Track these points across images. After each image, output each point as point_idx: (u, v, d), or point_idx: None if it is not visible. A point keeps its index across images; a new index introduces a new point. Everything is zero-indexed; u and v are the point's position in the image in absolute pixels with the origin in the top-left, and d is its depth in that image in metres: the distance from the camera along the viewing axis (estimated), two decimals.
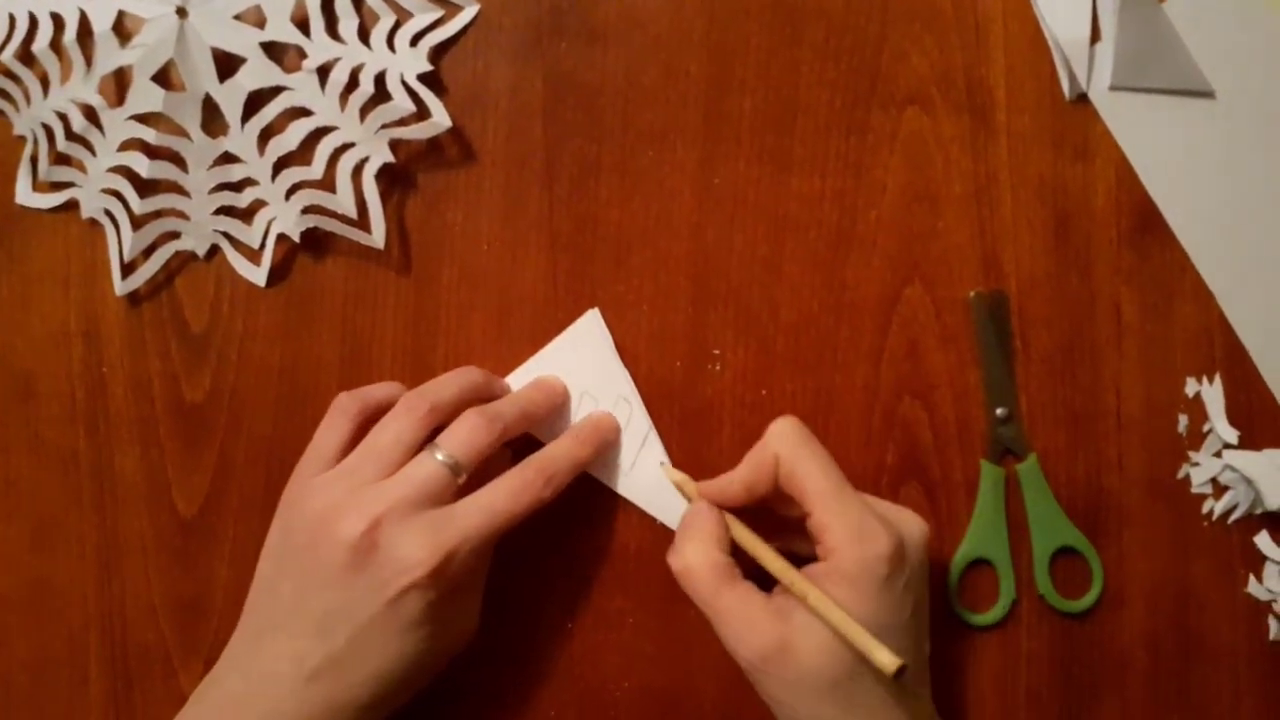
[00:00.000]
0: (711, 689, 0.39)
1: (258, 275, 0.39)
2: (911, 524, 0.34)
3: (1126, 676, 0.39)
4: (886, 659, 0.30)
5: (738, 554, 0.35)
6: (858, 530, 0.32)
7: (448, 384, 0.36)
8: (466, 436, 0.34)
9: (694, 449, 0.39)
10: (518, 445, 0.38)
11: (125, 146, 0.39)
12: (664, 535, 0.39)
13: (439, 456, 0.34)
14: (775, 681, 0.32)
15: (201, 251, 0.40)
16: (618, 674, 0.39)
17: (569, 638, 0.39)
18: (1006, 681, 0.39)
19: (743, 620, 0.32)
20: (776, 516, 0.36)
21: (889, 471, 0.39)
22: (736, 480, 0.35)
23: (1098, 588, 0.39)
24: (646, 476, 0.38)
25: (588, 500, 0.38)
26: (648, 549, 0.39)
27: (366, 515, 0.32)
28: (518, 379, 0.39)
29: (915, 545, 0.33)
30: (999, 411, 0.39)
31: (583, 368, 0.38)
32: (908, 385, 0.39)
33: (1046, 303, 0.39)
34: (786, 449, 0.34)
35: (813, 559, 0.33)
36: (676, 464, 0.39)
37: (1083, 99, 0.39)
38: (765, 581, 0.34)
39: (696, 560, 0.33)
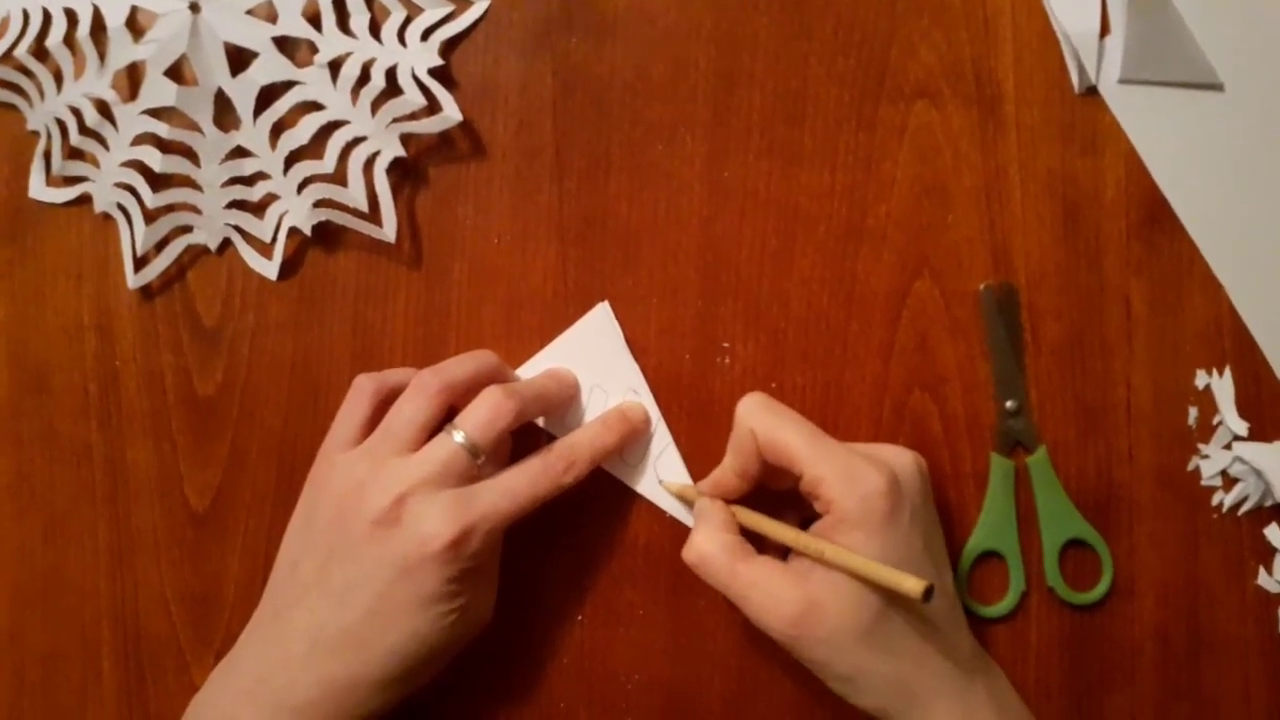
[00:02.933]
0: (722, 682, 0.39)
1: (269, 269, 0.39)
2: (901, 457, 0.34)
3: (1136, 669, 0.39)
4: (910, 583, 0.29)
5: (750, 538, 0.35)
6: (848, 474, 0.32)
7: (462, 364, 0.36)
8: (485, 417, 0.34)
9: (703, 441, 0.39)
10: (519, 442, 0.37)
11: (138, 141, 0.39)
12: (674, 528, 0.39)
13: (458, 439, 0.34)
14: (811, 643, 0.32)
15: (214, 245, 0.40)
16: (627, 667, 0.39)
17: (579, 630, 0.39)
18: (1016, 673, 0.38)
19: (765, 592, 0.32)
20: (783, 497, 0.36)
21: None
22: (727, 470, 0.35)
23: (1107, 580, 0.39)
24: (656, 468, 0.38)
25: (597, 493, 0.38)
26: (657, 542, 0.39)
27: (391, 491, 0.32)
28: (528, 371, 0.39)
29: (910, 476, 0.33)
30: (1009, 404, 0.39)
31: (593, 360, 0.38)
32: (918, 378, 0.39)
33: (1056, 295, 0.39)
34: (759, 421, 0.34)
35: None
36: (686, 456, 0.39)
37: (1092, 92, 0.39)
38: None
39: (708, 545, 0.34)
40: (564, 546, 0.39)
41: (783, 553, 0.35)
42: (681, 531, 0.38)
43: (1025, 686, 0.39)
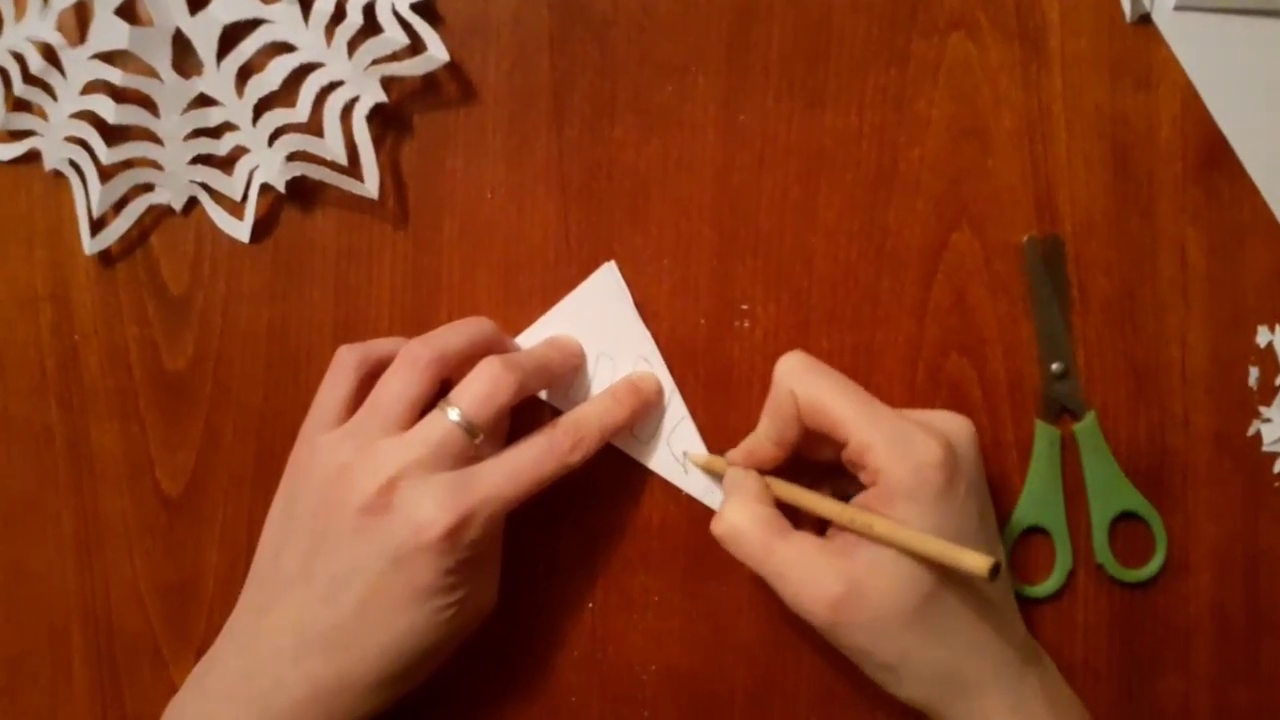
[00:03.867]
0: (743, 671, 0.37)
1: (241, 230, 0.37)
2: (956, 424, 0.32)
3: (1191, 649, 0.37)
4: (976, 561, 0.28)
5: (785, 513, 0.33)
6: (901, 442, 0.30)
7: (455, 333, 0.34)
8: (482, 391, 0.32)
9: (721, 413, 0.37)
10: (519, 418, 0.35)
11: (89, 89, 0.36)
12: (690, 508, 0.37)
13: (453, 417, 0.32)
14: (852, 628, 0.30)
15: (178, 205, 0.37)
16: (642, 656, 0.37)
17: (589, 618, 0.37)
18: (1062, 656, 0.36)
19: (803, 571, 0.30)
20: (816, 470, 0.34)
21: None
22: (762, 436, 0.33)
23: (1161, 555, 0.37)
24: (670, 443, 0.37)
25: (607, 470, 0.36)
26: (673, 522, 0.37)
27: (380, 475, 0.31)
28: (528, 339, 0.37)
29: (965, 445, 0.31)
30: (1054, 367, 0.37)
31: (599, 327, 0.36)
32: (955, 340, 0.37)
33: (1106, 246, 0.37)
34: (800, 382, 0.32)
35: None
36: (703, 430, 0.37)
37: (1145, 20, 0.36)
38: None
39: (740, 518, 0.32)
40: (572, 528, 0.37)
41: (820, 529, 0.33)
42: (699, 511, 0.37)
43: (1072, 670, 0.37)
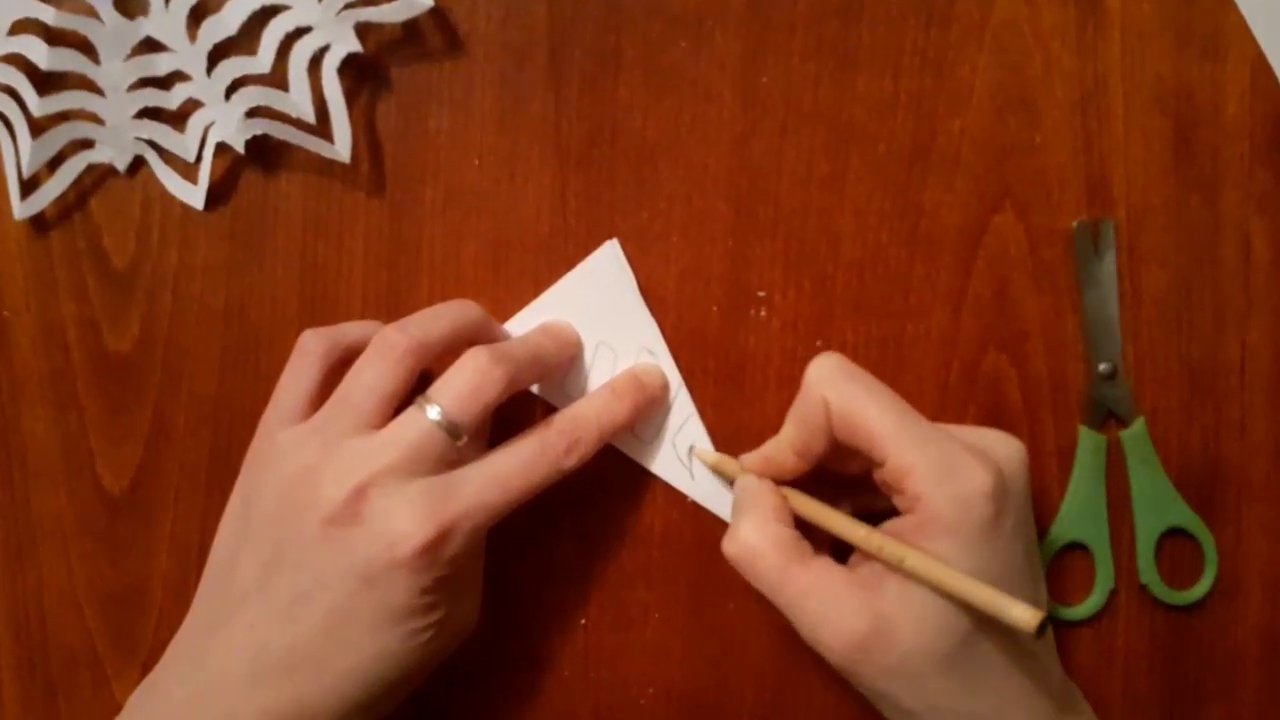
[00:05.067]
0: (750, 694, 0.35)
1: (194, 195, 0.35)
2: (1006, 447, 0.29)
3: (1238, 677, 0.35)
4: (1023, 615, 0.25)
5: (803, 529, 0.31)
6: (947, 466, 0.28)
7: (436, 317, 0.32)
8: (467, 386, 0.30)
9: (733, 412, 0.34)
10: (507, 413, 0.33)
11: (16, 29, 0.34)
12: (695, 514, 0.35)
13: (432, 415, 0.29)
14: (875, 671, 0.28)
15: (122, 165, 0.35)
16: (640, 677, 0.35)
17: (582, 636, 0.36)
18: (1100, 684, 0.35)
19: (825, 603, 0.28)
20: (834, 479, 0.32)
21: None
22: (784, 444, 0.31)
23: (1210, 575, 0.35)
24: (675, 443, 0.34)
25: (604, 472, 0.34)
26: (676, 532, 0.35)
27: (348, 481, 0.29)
28: (519, 326, 0.35)
29: (1015, 472, 0.29)
30: (1102, 367, 0.34)
31: (599, 313, 0.34)
32: (994, 334, 0.34)
33: (1162, 234, 0.34)
34: (835, 391, 0.29)
35: (886, 517, 0.30)
36: (713, 430, 0.34)
37: None
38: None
39: (755, 538, 0.29)
40: (564, 537, 0.35)
41: (835, 549, 0.31)
42: (706, 519, 0.35)
43: (1111, 699, 0.35)
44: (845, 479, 0.31)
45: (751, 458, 0.32)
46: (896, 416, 0.28)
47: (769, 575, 0.29)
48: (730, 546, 0.30)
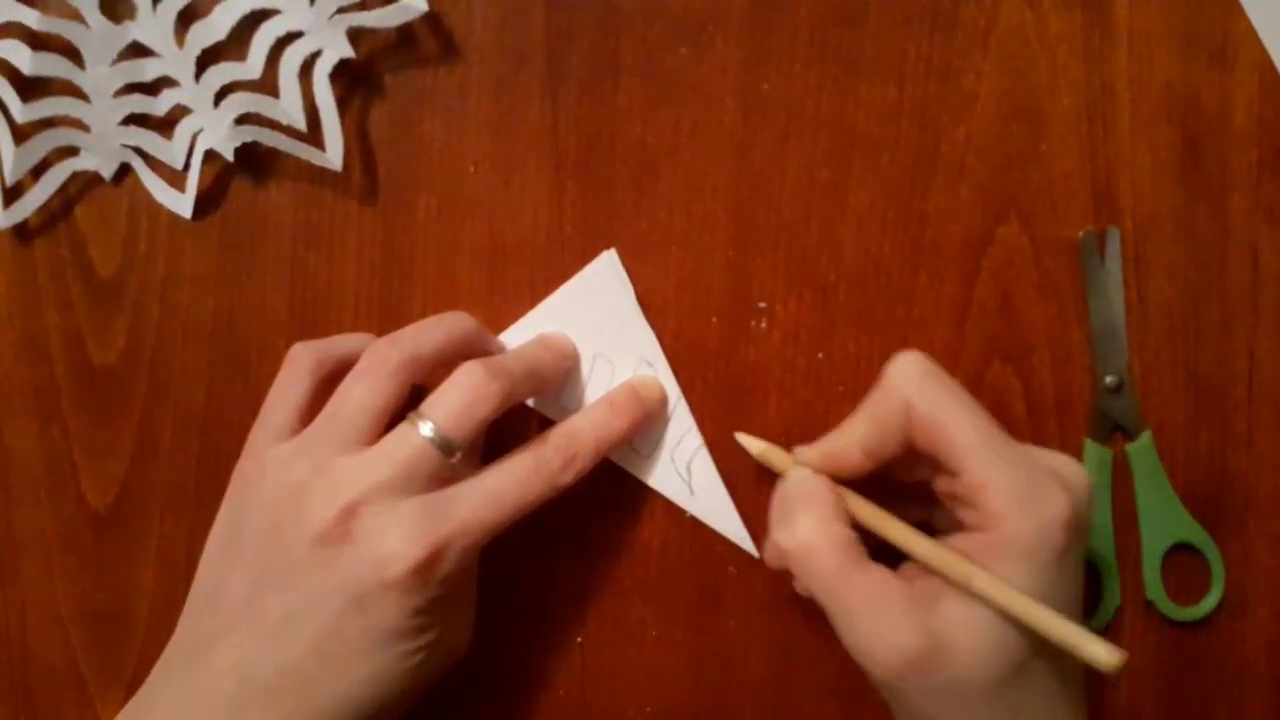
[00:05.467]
0: (751, 715, 0.35)
1: (182, 204, 0.35)
2: (1078, 476, 0.28)
3: (1245, 695, 0.35)
4: (1102, 652, 0.25)
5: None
6: (1030, 488, 0.27)
7: (428, 331, 0.31)
8: (461, 402, 0.29)
9: (732, 425, 0.34)
10: (501, 426, 0.32)
11: (1, 33, 0.33)
12: (695, 530, 0.34)
13: (425, 431, 0.29)
14: (920, 691, 0.27)
15: (108, 173, 0.35)
16: (637, 698, 0.35)
17: (577, 655, 0.35)
18: (1104, 700, 0.34)
19: (880, 615, 0.27)
20: (881, 483, 0.30)
21: None
22: (852, 440, 0.29)
23: (1218, 592, 0.34)
24: (674, 457, 0.34)
25: (601, 486, 0.34)
26: (675, 548, 0.34)
27: (338, 499, 0.28)
28: (514, 337, 0.34)
29: (1084, 499, 0.28)
30: (1108, 379, 0.34)
31: (596, 324, 0.34)
32: (998, 346, 0.34)
33: (1169, 245, 0.34)
34: (920, 392, 0.28)
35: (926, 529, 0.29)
36: (712, 444, 0.34)
37: None
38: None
39: (815, 534, 0.28)
40: (559, 553, 0.35)
41: (885, 557, 0.30)
42: (705, 535, 0.34)
43: (1115, 717, 0.34)
44: (891, 485, 0.30)
45: (808, 452, 0.30)
46: (982, 428, 0.27)
47: (825, 576, 0.27)
48: (787, 541, 0.28)
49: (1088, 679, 0.33)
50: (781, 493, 0.30)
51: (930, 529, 0.30)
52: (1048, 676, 0.27)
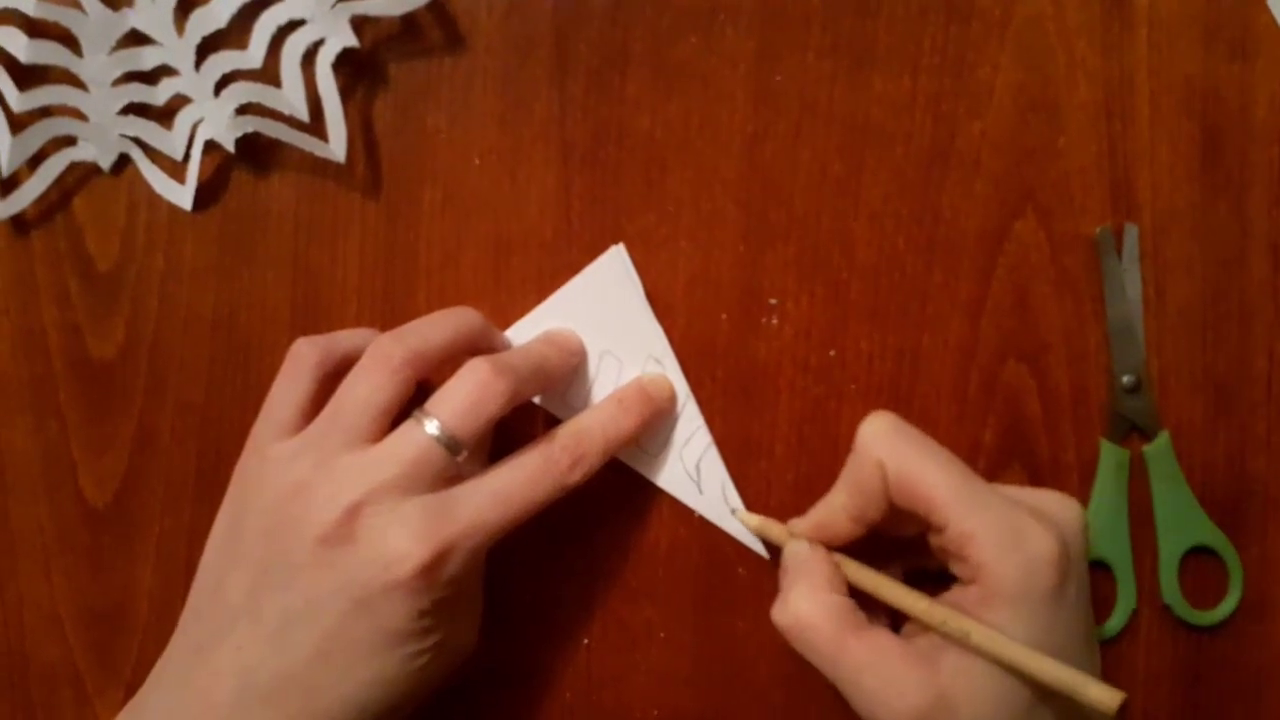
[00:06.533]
0: (759, 718, 0.34)
1: (182, 196, 0.34)
2: (1067, 511, 0.29)
3: (1264, 702, 0.34)
4: (1102, 695, 0.26)
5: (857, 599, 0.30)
6: (1010, 533, 0.27)
7: (434, 326, 0.31)
8: (467, 399, 0.29)
9: (743, 425, 0.34)
10: (507, 424, 0.32)
11: None
12: (703, 530, 0.34)
13: (431, 430, 0.28)
14: None
15: (106, 163, 0.34)
16: (644, 700, 0.34)
17: (584, 656, 0.35)
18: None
19: (882, 678, 0.27)
20: (885, 539, 0.31)
21: (986, 452, 0.34)
22: (838, 509, 0.30)
23: (1236, 596, 0.34)
24: (682, 456, 0.33)
25: (608, 486, 0.33)
26: (683, 548, 0.34)
27: (342, 498, 0.28)
28: (520, 334, 0.34)
29: (1075, 535, 0.28)
30: (1125, 379, 0.33)
31: (604, 320, 0.33)
32: (1014, 344, 0.34)
33: (1188, 242, 0.33)
34: (891, 452, 0.28)
35: (942, 576, 0.29)
36: (722, 443, 0.33)
37: None
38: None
39: (807, 608, 0.28)
40: (567, 554, 0.34)
41: (885, 613, 0.30)
42: (713, 535, 0.34)
43: None
44: (896, 540, 0.30)
45: (801, 523, 0.31)
46: (956, 480, 0.28)
47: (823, 648, 0.28)
48: (782, 617, 0.29)
49: None
50: (782, 563, 0.30)
51: (932, 576, 0.30)
52: (1057, 717, 0.27)
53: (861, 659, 0.27)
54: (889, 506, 0.29)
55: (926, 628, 0.28)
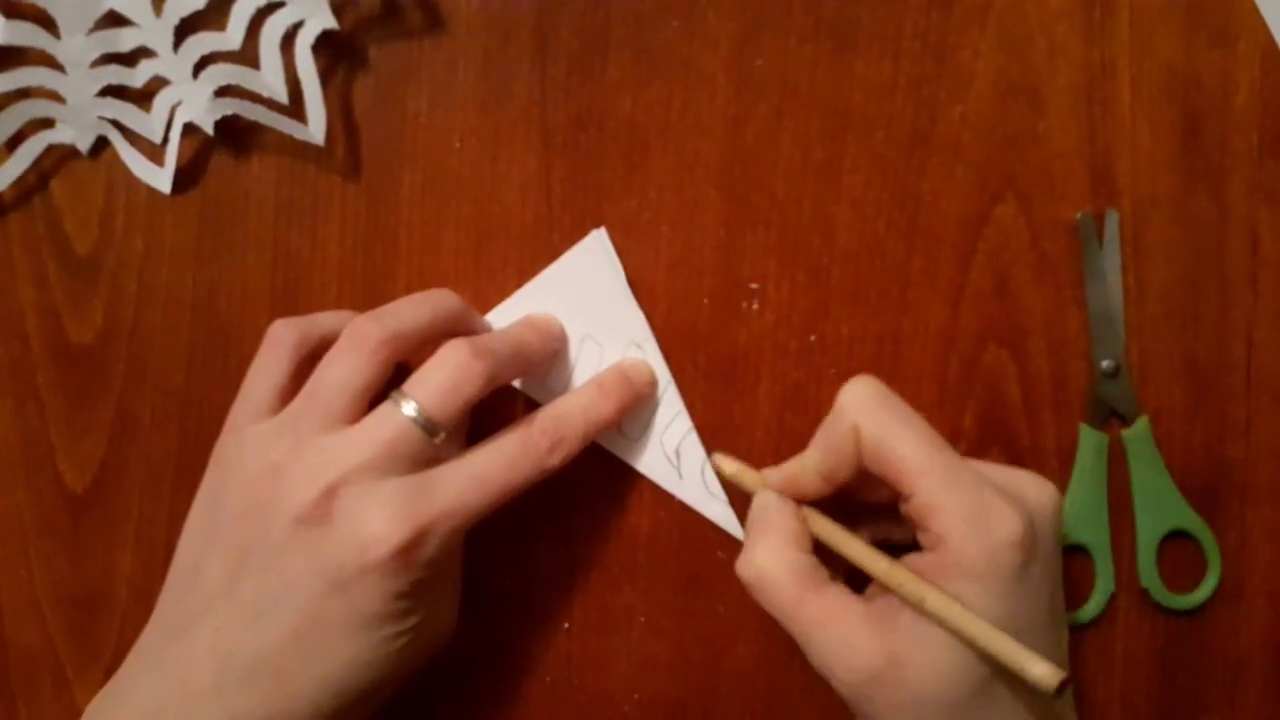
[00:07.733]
0: (740, 702, 0.34)
1: (161, 179, 0.34)
2: (1039, 493, 0.29)
3: (1240, 686, 0.34)
4: (1043, 672, 0.25)
5: (821, 553, 0.30)
6: (977, 511, 0.27)
7: (413, 307, 0.31)
8: (445, 381, 0.29)
9: (724, 408, 0.34)
10: (486, 408, 0.32)
11: None
12: (683, 515, 0.34)
13: (408, 411, 0.28)
14: (883, 706, 0.27)
15: (84, 146, 0.34)
16: (624, 684, 0.34)
17: (565, 641, 0.35)
18: (1098, 689, 0.34)
19: (839, 634, 0.27)
20: (857, 503, 0.31)
21: (967, 436, 0.34)
22: (809, 466, 0.30)
23: (1213, 580, 0.34)
24: (662, 441, 0.33)
25: (588, 470, 0.33)
26: (664, 533, 0.34)
27: (319, 479, 0.28)
28: (501, 317, 0.34)
29: (1045, 518, 0.28)
30: (1104, 364, 0.33)
31: (584, 305, 0.33)
32: (994, 329, 0.34)
33: (1168, 227, 0.33)
34: (868, 418, 0.28)
35: (909, 548, 0.29)
36: (702, 428, 0.33)
37: None
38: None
39: (770, 563, 0.28)
40: (547, 537, 0.34)
41: (850, 572, 0.30)
42: (694, 520, 0.34)
43: (1108, 706, 0.34)
44: (869, 504, 0.31)
45: (774, 474, 0.31)
46: (930, 452, 0.28)
47: (782, 602, 0.28)
48: (745, 570, 0.29)
49: (1077, 670, 0.33)
50: (750, 516, 0.31)
51: (901, 548, 0.30)
52: (1016, 694, 0.27)
53: (818, 616, 0.27)
54: (859, 469, 0.29)
55: (887, 589, 0.28)
